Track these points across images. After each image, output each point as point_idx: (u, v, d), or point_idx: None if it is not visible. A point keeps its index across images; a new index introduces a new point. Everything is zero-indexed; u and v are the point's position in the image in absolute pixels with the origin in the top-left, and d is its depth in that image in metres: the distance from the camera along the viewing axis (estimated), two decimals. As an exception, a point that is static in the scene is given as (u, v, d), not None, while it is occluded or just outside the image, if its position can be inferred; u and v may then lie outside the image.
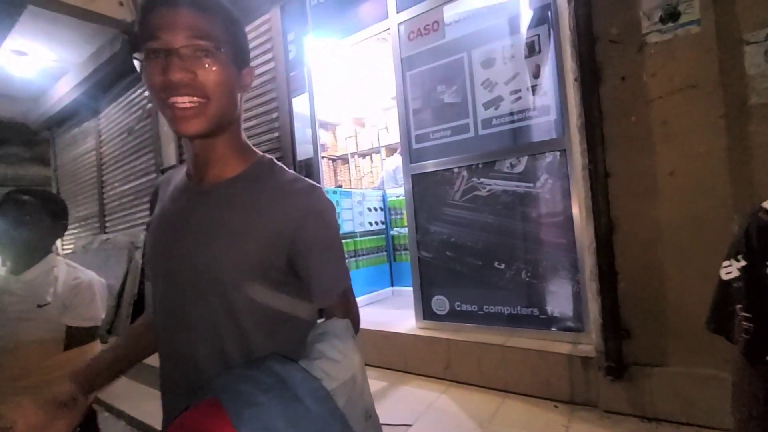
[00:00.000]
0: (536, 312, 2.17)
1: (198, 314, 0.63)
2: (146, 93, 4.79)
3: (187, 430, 0.50)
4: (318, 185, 0.69)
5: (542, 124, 2.15)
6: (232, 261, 0.62)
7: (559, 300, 2.11)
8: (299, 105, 3.27)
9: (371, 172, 5.78)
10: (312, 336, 0.63)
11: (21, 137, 9.22)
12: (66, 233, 6.16)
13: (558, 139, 2.08)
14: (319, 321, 0.69)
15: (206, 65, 0.59)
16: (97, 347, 1.23)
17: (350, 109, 5.72)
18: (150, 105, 4.72)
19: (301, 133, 3.30)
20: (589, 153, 1.81)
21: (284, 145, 3.34)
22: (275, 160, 0.73)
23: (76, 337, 1.15)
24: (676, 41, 1.70)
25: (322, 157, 4.37)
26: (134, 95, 5.04)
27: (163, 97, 0.59)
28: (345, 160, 6.06)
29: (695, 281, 1.65)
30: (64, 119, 6.41)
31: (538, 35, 2.14)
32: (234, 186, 0.67)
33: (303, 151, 3.27)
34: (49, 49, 4.75)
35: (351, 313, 0.69)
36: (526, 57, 2.19)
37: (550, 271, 2.13)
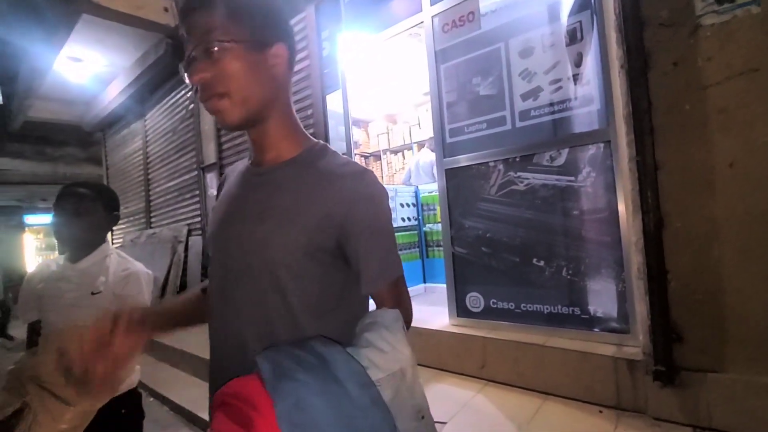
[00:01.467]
0: (577, 311, 2.08)
1: (248, 295, 0.64)
2: (188, 94, 5.01)
3: (226, 395, 0.52)
4: (369, 170, 0.68)
5: (584, 115, 2.05)
6: (280, 241, 0.62)
7: (602, 299, 2.01)
8: (333, 102, 3.31)
9: (403, 168, 5.77)
10: (360, 325, 0.62)
11: (77, 139, 9.92)
12: (116, 228, 6.55)
13: (602, 129, 1.98)
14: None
15: (217, 60, 0.59)
16: None
17: (382, 105, 5.73)
18: (192, 105, 4.93)
19: (335, 131, 3.33)
20: (637, 144, 1.70)
21: (318, 141, 3.38)
22: (328, 146, 0.73)
23: None
24: (734, 22, 1.57)
25: (355, 154, 4.39)
26: (177, 96, 5.29)
27: (200, 99, 0.62)
28: (377, 156, 6.08)
29: (758, 282, 1.52)
30: (114, 121, 6.83)
31: (580, 22, 2.04)
32: (287, 169, 0.68)
33: (336, 148, 3.27)
34: (101, 55, 5.07)
35: (402, 305, 0.66)
36: (567, 45, 2.09)
37: (592, 268, 2.03)
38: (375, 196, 0.66)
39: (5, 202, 10.64)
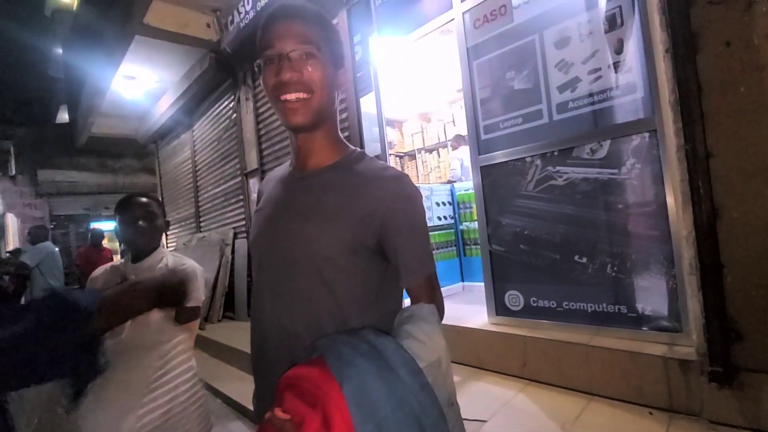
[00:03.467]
0: (624, 309, 1.99)
1: (297, 289, 0.70)
2: (231, 104, 5.27)
3: (293, 379, 0.57)
4: (406, 174, 0.75)
5: (627, 104, 1.95)
6: (326, 238, 0.68)
7: (650, 297, 1.91)
8: (366, 104, 3.36)
9: (438, 167, 5.73)
10: (399, 318, 0.67)
11: (133, 151, 10.74)
12: (170, 232, 7.00)
13: (647, 118, 1.88)
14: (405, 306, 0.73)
15: (310, 65, 0.69)
16: (198, 323, 1.42)
17: (416, 105, 5.72)
18: (235, 115, 5.19)
19: (369, 132, 3.39)
20: (686, 131, 1.61)
21: (353, 143, 3.43)
22: (366, 152, 0.81)
23: (184, 314, 1.33)
24: (796, -6, 1.44)
25: (390, 155, 4.43)
26: (221, 107, 5.58)
27: (276, 95, 0.69)
28: (412, 156, 6.08)
29: (830, 276, 1.39)
30: (165, 133, 7.32)
31: (620, 6, 1.95)
32: (330, 173, 0.75)
33: (371, 149, 3.36)
34: (152, 72, 5.45)
35: (436, 299, 0.71)
36: (606, 32, 2.00)
37: (639, 265, 1.94)
38: (411, 197, 0.72)
39: (75, 211, 11.68)
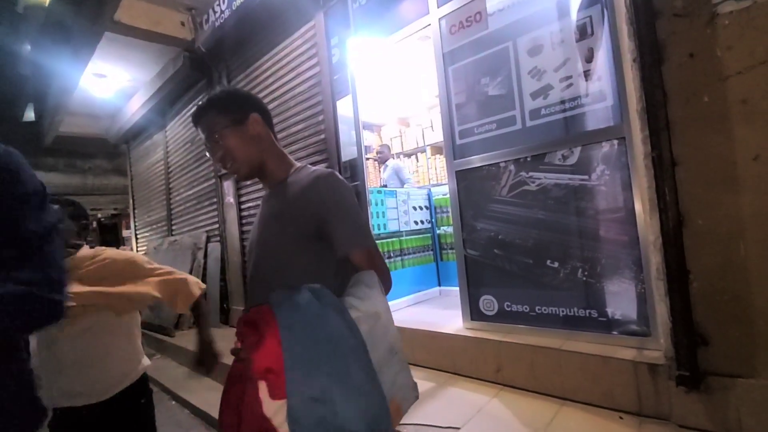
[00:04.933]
0: (595, 314, 2.01)
1: (264, 273, 0.95)
2: (205, 105, 5.14)
3: (246, 316, 0.82)
4: (333, 171, 0.96)
5: (597, 111, 1.99)
6: (279, 233, 0.92)
7: (620, 301, 1.94)
8: (343, 107, 3.33)
9: (416, 171, 5.74)
10: (348, 286, 0.85)
11: (103, 151, 10.34)
12: (140, 235, 6.76)
13: (616, 126, 1.91)
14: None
15: (221, 145, 0.96)
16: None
17: (395, 109, 5.72)
18: (209, 116, 5.06)
19: (346, 135, 3.35)
20: (652, 139, 1.64)
21: (330, 147, 3.41)
22: (307, 165, 1.03)
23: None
24: (755, 8, 1.50)
25: (368, 158, 4.41)
26: (195, 108, 5.43)
27: (222, 170, 0.96)
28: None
29: (788, 281, 1.44)
30: (138, 133, 7.08)
31: (590, 16, 1.99)
32: (280, 187, 0.99)
33: (348, 153, 3.32)
34: (124, 70, 5.28)
35: (379, 271, 0.87)
36: (577, 41, 2.04)
37: (609, 269, 1.96)
38: (336, 187, 0.92)
39: (39, 213, 11.12)
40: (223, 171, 4.83)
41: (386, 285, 0.88)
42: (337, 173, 0.96)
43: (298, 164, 1.04)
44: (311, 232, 0.89)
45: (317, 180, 0.91)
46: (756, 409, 1.47)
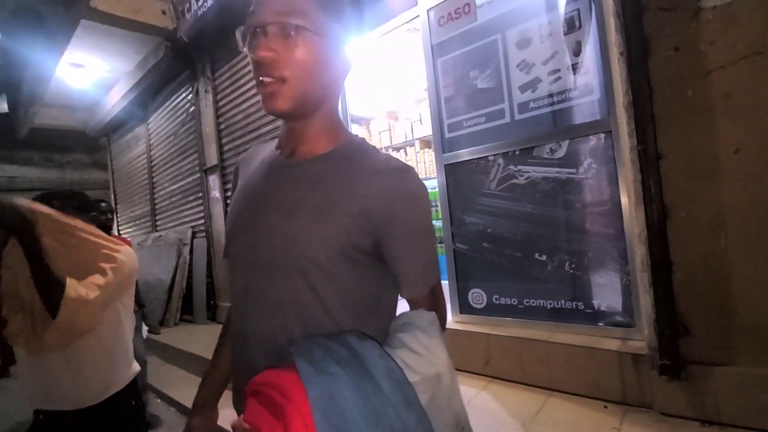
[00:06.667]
0: (581, 306, 2.04)
1: (278, 292, 0.60)
2: (189, 97, 5.02)
3: (259, 384, 0.52)
4: (411, 167, 0.63)
5: (585, 105, 2.00)
6: (313, 237, 0.58)
7: (606, 293, 1.97)
8: (331, 100, 3.28)
9: (406, 165, 5.73)
10: (394, 326, 0.59)
11: (82, 145, 10.02)
12: (123, 231, 6.59)
13: (603, 120, 1.93)
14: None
15: (291, 43, 0.56)
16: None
17: (383, 103, 5.69)
18: (193, 108, 4.94)
19: (334, 128, 3.30)
20: (638, 133, 1.66)
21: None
22: (367, 141, 0.69)
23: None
24: (737, 4, 1.52)
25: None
26: (178, 99, 5.30)
27: (255, 75, 0.59)
28: (379, 154, 6.04)
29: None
30: (118, 126, 6.88)
31: (578, 9, 1.99)
32: (323, 163, 0.63)
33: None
34: (102, 60, 5.10)
35: (439, 310, 0.64)
36: (565, 34, 2.04)
37: (596, 262, 1.99)
38: (417, 195, 0.61)
39: (15, 209, 10.76)
40: (209, 164, 4.79)
41: (444, 326, 0.63)
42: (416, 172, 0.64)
43: (353, 135, 0.69)
44: (367, 246, 0.59)
45: (395, 175, 0.60)
46: (732, 394, 1.52)
